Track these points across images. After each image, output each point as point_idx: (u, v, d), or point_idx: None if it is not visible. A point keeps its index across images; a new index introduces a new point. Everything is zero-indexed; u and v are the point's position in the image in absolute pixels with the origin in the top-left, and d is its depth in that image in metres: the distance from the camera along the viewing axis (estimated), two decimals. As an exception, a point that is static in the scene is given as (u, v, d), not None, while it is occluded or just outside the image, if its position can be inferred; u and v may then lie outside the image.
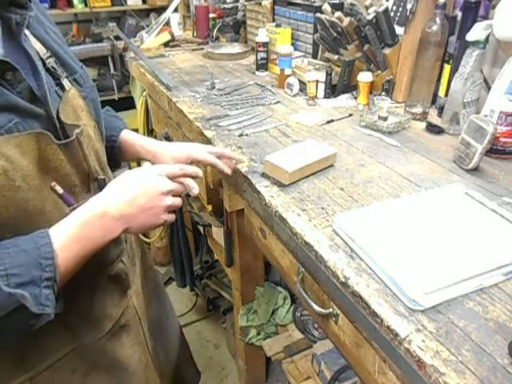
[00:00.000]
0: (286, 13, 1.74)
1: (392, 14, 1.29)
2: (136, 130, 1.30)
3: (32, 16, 0.64)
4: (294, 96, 1.44)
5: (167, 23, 2.35)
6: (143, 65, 1.79)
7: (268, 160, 0.92)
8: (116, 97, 2.59)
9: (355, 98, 1.39)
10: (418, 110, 1.22)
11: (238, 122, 1.22)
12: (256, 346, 1.55)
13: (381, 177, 0.93)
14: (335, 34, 1.38)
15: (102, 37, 2.75)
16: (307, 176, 0.93)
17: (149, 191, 0.67)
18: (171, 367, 1.10)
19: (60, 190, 0.63)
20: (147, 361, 0.90)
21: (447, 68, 1.20)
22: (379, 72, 1.35)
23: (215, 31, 2.17)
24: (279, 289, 1.57)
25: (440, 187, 0.87)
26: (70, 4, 3.28)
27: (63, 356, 0.71)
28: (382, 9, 1.22)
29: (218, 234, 1.61)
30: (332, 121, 1.23)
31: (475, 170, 0.94)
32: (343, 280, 0.66)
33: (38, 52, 0.65)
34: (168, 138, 1.65)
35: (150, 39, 2.12)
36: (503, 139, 0.98)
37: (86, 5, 3.30)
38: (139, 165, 1.88)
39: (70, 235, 0.59)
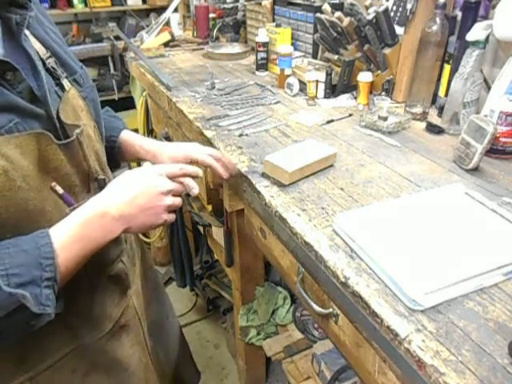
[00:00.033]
0: (286, 13, 1.74)
1: (392, 14, 1.29)
2: (136, 130, 1.30)
3: (32, 16, 0.64)
4: (294, 96, 1.44)
5: (167, 23, 2.35)
6: (143, 65, 1.79)
7: (268, 160, 0.92)
8: (116, 97, 2.59)
9: (355, 97, 1.39)
10: (418, 110, 1.22)
11: (238, 122, 1.22)
12: (256, 346, 1.55)
13: (381, 177, 0.93)
14: (335, 34, 1.38)
15: (102, 37, 2.75)
16: (307, 176, 0.93)
17: (149, 191, 0.67)
18: (171, 367, 1.10)
19: (60, 190, 0.63)
20: (147, 361, 0.90)
21: (447, 68, 1.20)
22: (379, 72, 1.35)
23: (215, 31, 2.17)
24: (279, 289, 1.57)
25: (440, 187, 0.87)
26: (70, 4, 3.28)
27: (63, 356, 0.71)
28: (381, 9, 1.22)
29: (218, 234, 1.61)
30: (332, 121, 1.23)
31: (475, 170, 0.94)
32: (343, 280, 0.66)
33: (37, 52, 0.66)
34: (168, 138, 1.65)
35: (150, 39, 2.12)
36: (503, 139, 0.98)
37: (86, 5, 3.30)
38: (139, 165, 1.88)
39: (70, 235, 0.59)
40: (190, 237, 2.10)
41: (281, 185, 0.90)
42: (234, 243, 1.37)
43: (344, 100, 1.38)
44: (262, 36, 1.62)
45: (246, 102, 1.37)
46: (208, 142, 1.13)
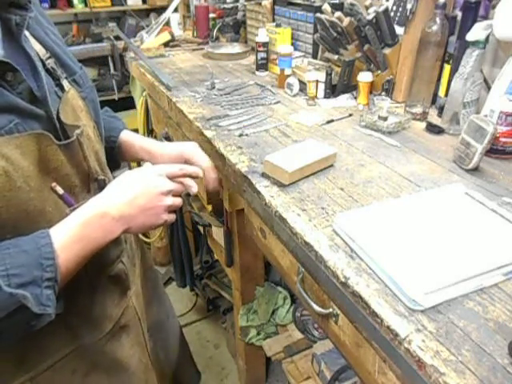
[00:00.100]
0: (286, 13, 1.74)
1: (392, 13, 1.29)
2: (136, 130, 1.30)
3: (32, 17, 0.64)
4: (294, 96, 1.44)
5: (167, 23, 2.35)
6: (143, 65, 1.79)
7: (268, 160, 0.92)
8: (116, 97, 2.59)
9: (355, 97, 1.39)
10: (418, 110, 1.22)
11: (238, 122, 1.22)
12: (256, 345, 1.55)
13: (381, 177, 0.93)
14: (335, 34, 1.38)
15: (101, 37, 2.75)
16: (307, 176, 0.93)
17: (149, 191, 0.67)
18: (171, 367, 1.10)
19: (60, 190, 0.63)
20: (147, 361, 0.90)
21: (447, 68, 1.20)
22: (379, 72, 1.35)
23: (215, 31, 2.17)
24: (279, 289, 1.57)
25: (440, 187, 0.87)
26: (70, 4, 3.28)
27: (63, 356, 0.71)
28: (382, 9, 1.22)
29: (218, 234, 1.61)
30: (332, 121, 1.23)
31: (475, 170, 0.94)
32: (343, 280, 0.66)
33: (37, 53, 0.66)
34: (168, 138, 1.65)
35: (150, 39, 2.12)
36: (503, 139, 0.98)
37: (86, 5, 3.30)
38: (139, 165, 1.88)
39: (70, 235, 0.59)
40: (190, 237, 2.10)
41: (281, 185, 0.90)
42: (234, 243, 1.37)
43: (344, 100, 1.38)
44: (261, 36, 1.62)
45: (245, 102, 1.37)
46: (208, 142, 1.13)
